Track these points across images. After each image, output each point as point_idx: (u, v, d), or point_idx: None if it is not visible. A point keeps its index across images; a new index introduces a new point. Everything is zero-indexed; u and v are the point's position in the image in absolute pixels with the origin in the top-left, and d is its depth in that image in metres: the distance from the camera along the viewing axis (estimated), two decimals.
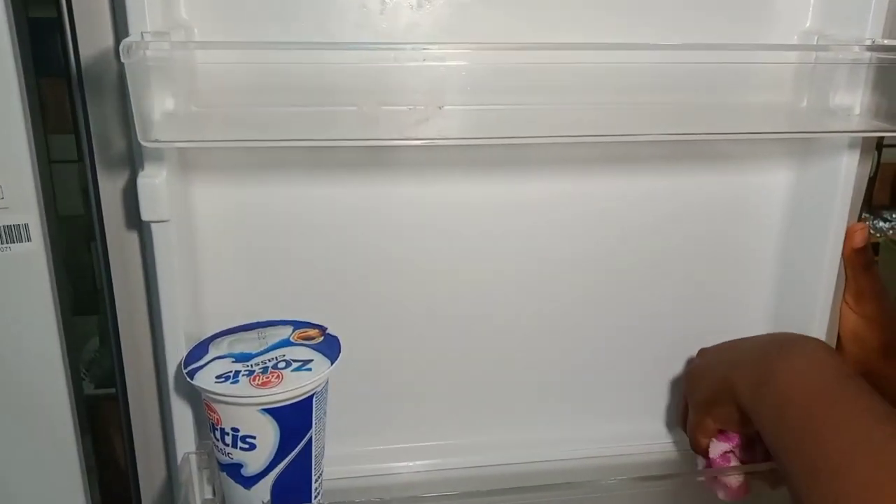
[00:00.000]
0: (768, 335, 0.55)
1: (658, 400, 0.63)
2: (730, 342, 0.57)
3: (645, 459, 0.61)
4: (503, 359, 0.59)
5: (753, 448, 0.54)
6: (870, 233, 0.59)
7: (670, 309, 0.60)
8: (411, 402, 0.59)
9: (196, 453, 0.51)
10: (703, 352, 0.59)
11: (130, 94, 0.39)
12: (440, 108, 0.42)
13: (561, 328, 0.58)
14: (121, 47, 0.38)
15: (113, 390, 0.54)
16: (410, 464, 0.58)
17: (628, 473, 0.50)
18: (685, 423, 0.58)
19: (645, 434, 0.62)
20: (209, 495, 0.52)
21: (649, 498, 0.51)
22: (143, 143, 0.40)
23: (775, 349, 0.50)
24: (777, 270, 0.60)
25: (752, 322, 0.61)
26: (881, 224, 1.32)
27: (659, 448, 0.62)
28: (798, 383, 0.46)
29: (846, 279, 0.57)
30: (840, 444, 0.42)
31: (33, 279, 0.50)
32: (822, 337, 0.58)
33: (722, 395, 0.52)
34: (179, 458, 0.51)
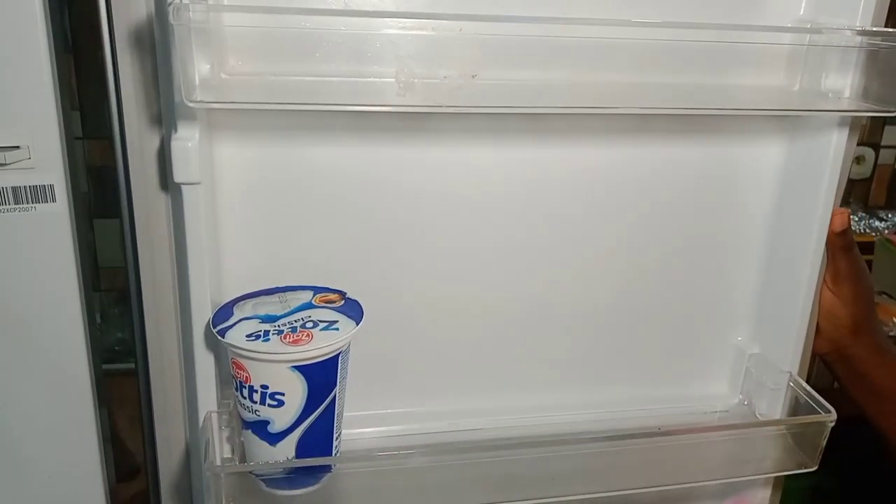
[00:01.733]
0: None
1: (650, 365, 0.65)
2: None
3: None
4: (520, 325, 0.61)
5: None
6: (850, 218, 0.63)
7: (663, 277, 0.63)
8: (426, 368, 0.60)
9: (218, 412, 0.52)
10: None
11: (176, 54, 0.40)
12: (473, 77, 0.44)
13: (574, 294, 0.61)
14: (171, 9, 0.39)
15: (132, 358, 0.55)
16: (422, 426, 0.60)
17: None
18: None
19: (660, 399, 0.65)
20: (228, 454, 0.53)
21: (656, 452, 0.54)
22: (188, 104, 0.41)
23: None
24: (766, 243, 0.63)
25: (741, 291, 0.64)
26: (877, 223, 1.39)
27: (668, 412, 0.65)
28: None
29: (827, 260, 0.62)
30: None
31: (57, 240, 0.50)
32: (807, 311, 0.61)
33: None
34: (201, 418, 0.52)
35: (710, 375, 0.67)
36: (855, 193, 1.49)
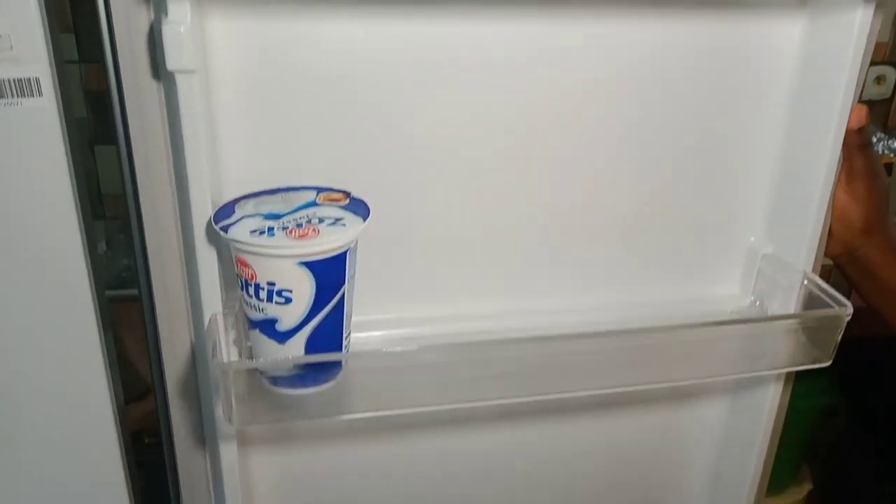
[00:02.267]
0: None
1: (661, 267, 0.64)
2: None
3: None
4: (531, 228, 0.59)
5: None
6: (868, 115, 0.60)
7: (675, 177, 0.61)
8: (436, 271, 0.59)
9: (223, 314, 0.51)
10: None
11: None
12: None
13: (585, 195, 0.59)
14: None
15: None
16: (432, 329, 0.59)
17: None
18: None
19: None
20: (235, 357, 0.52)
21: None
22: None
23: None
24: (782, 139, 0.61)
25: (755, 190, 0.63)
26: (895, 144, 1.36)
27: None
28: None
29: (842, 158, 0.60)
30: None
31: (45, 137, 0.48)
32: (823, 209, 0.60)
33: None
34: (206, 321, 0.51)
35: (721, 277, 0.65)
36: (874, 114, 1.46)
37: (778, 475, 1.28)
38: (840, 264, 0.67)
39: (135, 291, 0.55)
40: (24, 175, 0.48)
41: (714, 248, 0.64)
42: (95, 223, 0.52)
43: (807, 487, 1.30)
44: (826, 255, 0.64)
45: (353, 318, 0.51)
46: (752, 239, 0.64)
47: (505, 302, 0.61)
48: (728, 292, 0.66)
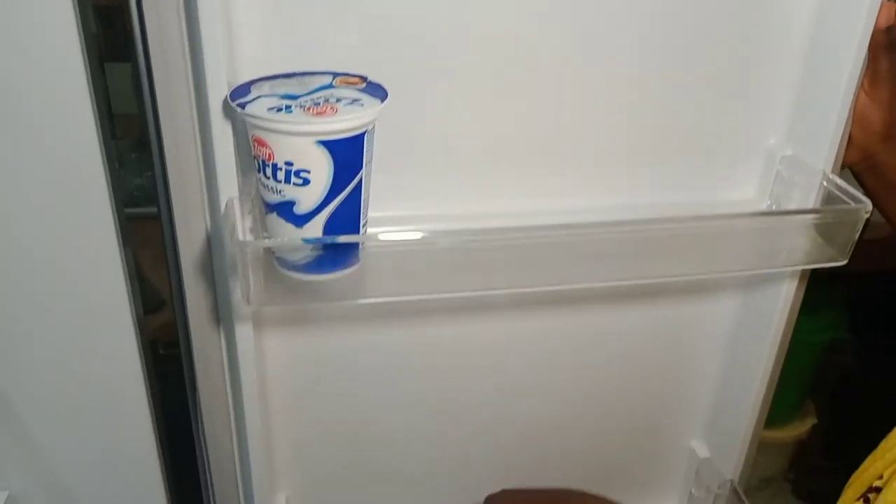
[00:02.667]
0: None
1: (676, 170, 0.64)
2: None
3: None
4: (549, 125, 0.58)
5: None
6: None
7: (693, 75, 0.59)
8: (453, 168, 0.58)
9: (239, 198, 0.50)
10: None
11: None
12: None
13: (603, 92, 0.58)
14: None
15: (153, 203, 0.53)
16: (447, 226, 0.58)
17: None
18: None
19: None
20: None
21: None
22: None
23: None
24: (806, 38, 0.60)
25: (776, 89, 0.61)
26: None
27: None
28: None
29: (867, 60, 0.58)
30: None
31: (57, 19, 0.47)
32: (846, 110, 0.59)
33: None
34: (223, 205, 0.50)
35: (739, 181, 0.65)
36: None
37: (782, 409, 1.30)
38: (857, 173, 0.66)
39: (153, 209, 0.56)
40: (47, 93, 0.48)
41: (733, 151, 0.64)
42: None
43: (810, 422, 1.32)
44: (844, 163, 0.64)
45: (369, 215, 0.51)
46: (772, 141, 0.63)
47: (521, 203, 0.60)
48: (745, 197, 0.65)
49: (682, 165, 0.63)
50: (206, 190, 0.53)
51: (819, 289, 1.17)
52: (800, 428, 1.32)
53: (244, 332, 0.54)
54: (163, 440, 0.66)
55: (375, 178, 0.50)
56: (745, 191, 0.65)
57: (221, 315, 0.57)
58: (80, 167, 0.51)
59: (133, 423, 0.64)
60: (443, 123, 0.56)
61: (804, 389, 1.31)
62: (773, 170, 0.63)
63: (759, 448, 1.28)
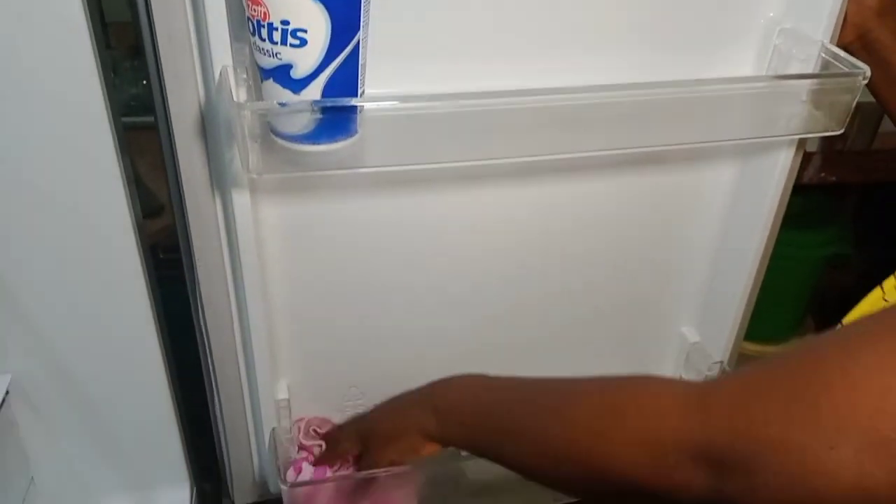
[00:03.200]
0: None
1: (668, 35, 0.63)
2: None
3: None
4: None
5: None
6: None
7: None
8: (449, 46, 0.56)
9: (234, 66, 0.49)
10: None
11: None
12: None
13: None
14: None
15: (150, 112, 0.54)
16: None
17: None
18: None
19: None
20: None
21: None
22: None
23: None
24: None
25: None
26: None
27: None
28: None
29: None
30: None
31: None
32: None
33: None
34: (217, 73, 0.49)
35: (736, 56, 0.64)
36: None
37: (780, 325, 1.32)
38: (853, 52, 0.66)
39: (150, 118, 0.56)
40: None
41: (731, 25, 0.62)
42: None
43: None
44: (838, 43, 0.63)
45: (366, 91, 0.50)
46: (771, 14, 0.63)
47: (518, 82, 0.59)
48: (743, 72, 0.64)
49: (680, 41, 0.62)
50: (200, 61, 0.51)
51: (820, 203, 1.16)
52: None
53: (242, 203, 0.53)
54: (163, 328, 0.67)
55: (371, 60, 0.49)
56: (743, 67, 0.65)
57: (218, 188, 0.56)
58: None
59: (134, 311, 0.64)
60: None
61: (804, 306, 1.33)
62: (771, 44, 0.63)
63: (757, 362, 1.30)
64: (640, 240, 0.71)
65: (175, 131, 0.53)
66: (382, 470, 0.60)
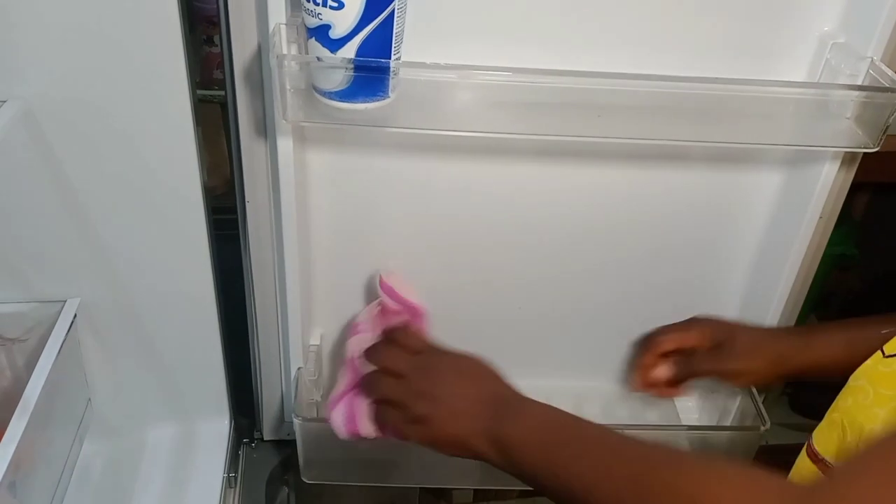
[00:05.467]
0: None
1: (722, 43, 0.63)
2: None
3: None
4: None
5: None
6: None
7: None
8: (483, 21, 0.59)
9: (287, 24, 0.55)
10: None
11: None
12: None
13: None
14: None
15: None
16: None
17: None
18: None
19: None
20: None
21: None
22: None
23: None
24: None
25: None
26: None
27: None
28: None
29: None
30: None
31: None
32: None
33: None
34: (271, 28, 0.55)
35: (788, 69, 0.64)
36: None
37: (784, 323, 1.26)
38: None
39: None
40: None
41: (786, 38, 0.63)
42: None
43: None
44: None
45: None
46: (826, 28, 0.62)
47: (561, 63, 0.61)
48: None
49: (736, 52, 0.63)
50: (257, 17, 0.57)
51: None
52: None
53: (285, 147, 0.59)
54: (217, 274, 0.72)
55: (409, 34, 0.53)
56: (794, 76, 0.64)
57: (268, 138, 0.62)
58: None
59: (194, 257, 0.69)
60: None
61: (809, 306, 1.28)
62: (823, 58, 0.62)
63: None
64: (682, 235, 0.72)
65: (236, 83, 0.60)
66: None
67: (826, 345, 0.63)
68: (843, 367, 0.56)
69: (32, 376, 0.61)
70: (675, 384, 0.69)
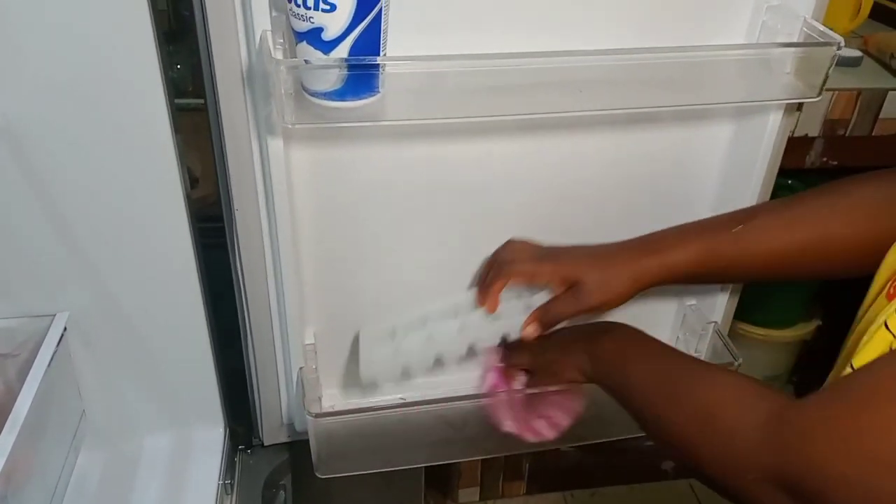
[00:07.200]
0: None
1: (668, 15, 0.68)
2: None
3: None
4: None
5: None
6: None
7: None
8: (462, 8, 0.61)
9: (272, 31, 0.56)
10: None
11: None
12: None
13: None
14: None
15: None
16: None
17: None
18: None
19: None
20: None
21: None
22: None
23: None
24: None
25: None
26: None
27: None
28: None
29: None
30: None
31: None
32: None
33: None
34: (258, 35, 0.56)
35: (726, 32, 0.69)
36: None
37: (788, 310, 1.35)
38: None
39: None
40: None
41: (722, 4, 0.68)
42: None
43: (815, 323, 1.37)
44: None
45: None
46: None
47: (530, 43, 0.64)
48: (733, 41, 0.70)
49: (673, 18, 0.67)
50: (242, 27, 0.58)
51: None
52: (805, 329, 1.37)
53: (275, 147, 0.61)
54: (205, 279, 0.73)
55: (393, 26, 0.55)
56: (733, 41, 0.70)
57: (256, 141, 0.63)
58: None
59: (181, 264, 0.71)
60: None
61: (811, 291, 1.36)
62: (759, 21, 0.68)
63: (764, 347, 1.31)
64: (641, 194, 0.77)
65: (219, 91, 0.61)
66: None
67: (680, 251, 0.68)
68: (696, 274, 0.67)
69: (22, 390, 0.61)
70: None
